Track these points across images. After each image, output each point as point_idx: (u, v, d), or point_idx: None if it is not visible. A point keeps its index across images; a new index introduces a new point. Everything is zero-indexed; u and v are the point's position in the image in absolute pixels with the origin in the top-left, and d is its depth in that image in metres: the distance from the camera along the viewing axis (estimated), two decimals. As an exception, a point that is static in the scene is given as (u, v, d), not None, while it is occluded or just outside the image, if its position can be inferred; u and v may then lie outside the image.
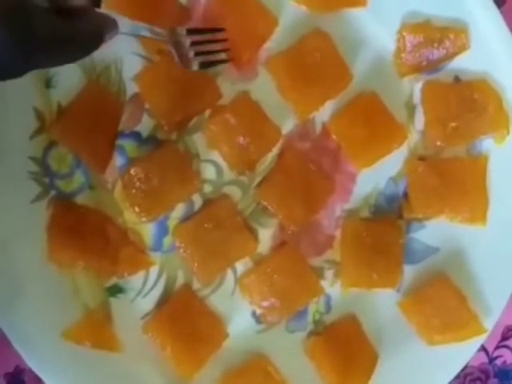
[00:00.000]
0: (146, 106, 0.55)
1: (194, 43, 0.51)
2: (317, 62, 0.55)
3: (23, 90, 0.52)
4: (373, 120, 0.56)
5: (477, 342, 0.56)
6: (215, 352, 0.56)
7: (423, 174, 0.56)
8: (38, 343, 0.53)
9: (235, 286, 0.57)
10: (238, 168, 0.56)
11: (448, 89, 0.56)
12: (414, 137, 0.57)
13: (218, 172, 0.56)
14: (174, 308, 0.56)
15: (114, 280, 0.56)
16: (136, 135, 0.55)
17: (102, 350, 0.55)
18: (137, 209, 0.54)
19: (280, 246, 0.57)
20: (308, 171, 0.56)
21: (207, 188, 0.56)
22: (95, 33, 0.43)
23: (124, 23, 0.47)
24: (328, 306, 0.58)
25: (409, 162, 0.57)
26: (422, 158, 0.57)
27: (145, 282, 0.56)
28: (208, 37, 0.53)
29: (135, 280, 0.56)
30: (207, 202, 0.56)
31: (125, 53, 0.55)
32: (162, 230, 0.56)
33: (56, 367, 0.54)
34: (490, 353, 0.61)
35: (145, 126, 0.55)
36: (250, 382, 0.56)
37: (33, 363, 0.53)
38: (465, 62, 0.55)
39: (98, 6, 0.45)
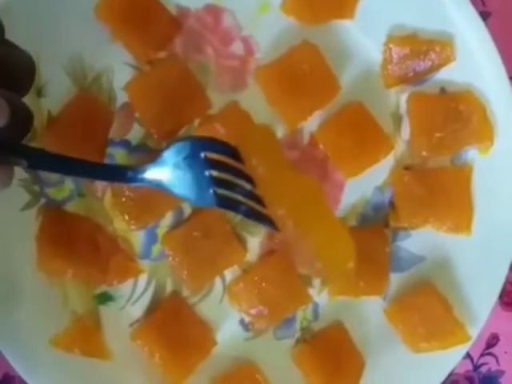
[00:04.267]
0: (136, 114, 0.55)
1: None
2: (305, 73, 0.55)
3: (14, 98, 0.53)
4: (360, 130, 0.56)
5: (462, 349, 0.56)
6: (204, 359, 0.56)
7: (409, 184, 0.57)
8: (27, 350, 0.53)
9: (224, 293, 0.57)
10: (227, 176, 0.56)
11: (433, 100, 0.56)
12: (400, 147, 0.58)
13: (207, 180, 0.56)
14: (162, 315, 0.56)
15: (103, 288, 0.56)
16: (126, 144, 0.56)
17: (91, 357, 0.55)
18: (126, 217, 0.55)
19: (268, 254, 0.57)
20: (296, 180, 0.56)
21: (196, 196, 0.56)
22: None
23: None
24: (315, 314, 0.58)
25: (395, 172, 0.57)
26: (407, 168, 0.57)
27: (134, 290, 0.56)
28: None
29: (124, 288, 0.56)
30: (196, 211, 0.56)
31: (115, 62, 0.55)
32: (152, 238, 0.56)
33: (45, 375, 0.54)
34: (475, 360, 0.62)
35: (135, 134, 0.56)
36: (238, 389, 0.56)
37: (22, 370, 0.53)
38: (450, 74, 0.56)
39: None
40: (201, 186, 0.48)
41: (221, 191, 0.48)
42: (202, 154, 0.47)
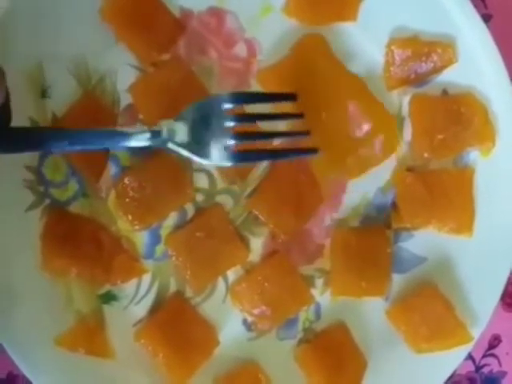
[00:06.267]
0: (140, 116, 0.56)
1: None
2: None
3: (19, 100, 0.53)
4: (362, 131, 0.57)
5: (464, 350, 0.57)
6: (206, 359, 0.56)
7: (411, 185, 0.57)
8: (31, 349, 0.53)
9: (226, 293, 0.57)
10: (230, 177, 0.56)
11: (435, 102, 0.56)
12: (402, 148, 0.58)
13: (210, 181, 0.57)
14: (166, 315, 0.56)
15: (107, 287, 0.56)
16: (130, 145, 0.56)
17: (95, 356, 0.55)
18: (130, 217, 0.55)
19: (271, 254, 0.57)
20: (298, 181, 0.57)
21: (199, 197, 0.57)
22: None
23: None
24: (318, 314, 0.58)
25: (397, 173, 0.58)
26: (410, 169, 0.58)
27: (137, 290, 0.57)
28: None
29: (128, 287, 0.57)
30: (199, 211, 0.57)
31: (119, 64, 0.55)
32: (155, 239, 0.57)
33: (49, 373, 0.54)
34: (477, 361, 0.62)
35: (138, 136, 0.56)
36: (240, 389, 0.57)
37: (26, 369, 0.53)
38: (452, 76, 0.56)
39: None
40: (220, 144, 0.46)
41: (241, 145, 0.46)
42: (224, 107, 0.46)
